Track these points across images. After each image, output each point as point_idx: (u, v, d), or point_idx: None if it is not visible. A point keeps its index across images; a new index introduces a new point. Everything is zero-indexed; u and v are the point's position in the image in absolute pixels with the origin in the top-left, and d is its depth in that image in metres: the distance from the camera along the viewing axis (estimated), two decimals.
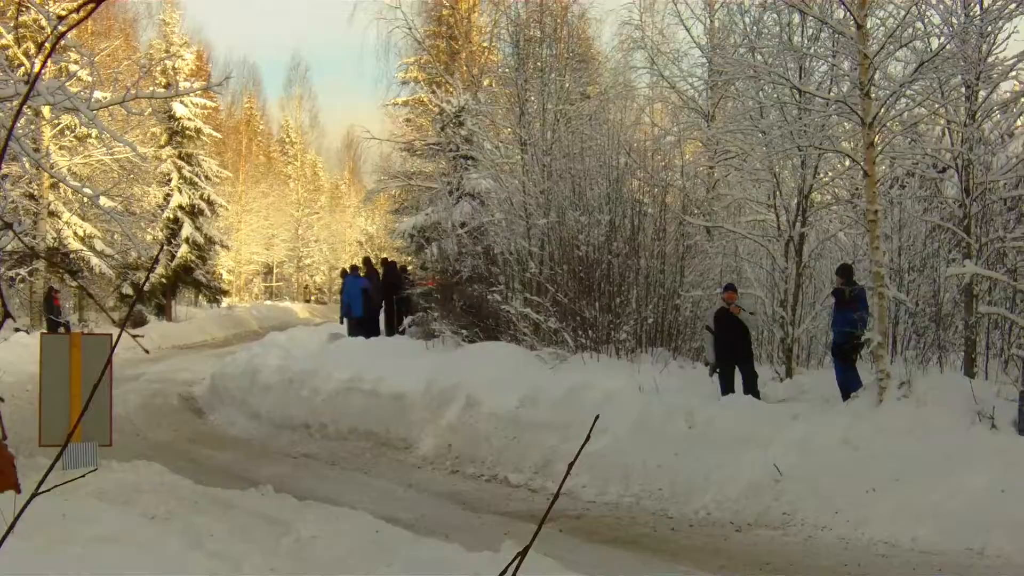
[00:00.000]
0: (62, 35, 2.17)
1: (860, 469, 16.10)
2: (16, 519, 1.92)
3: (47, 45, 43.48)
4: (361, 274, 36.99)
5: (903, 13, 18.98)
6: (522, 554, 1.96)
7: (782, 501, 16.39)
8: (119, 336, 3.45)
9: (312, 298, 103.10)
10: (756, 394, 20.96)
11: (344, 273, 39.55)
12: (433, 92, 43.88)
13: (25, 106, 16.16)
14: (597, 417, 2.78)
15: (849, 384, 19.68)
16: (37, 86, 14.33)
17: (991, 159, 21.29)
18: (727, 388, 21.25)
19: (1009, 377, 19.70)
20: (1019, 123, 22.28)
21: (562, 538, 15.09)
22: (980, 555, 13.85)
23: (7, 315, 2.12)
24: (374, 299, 35.84)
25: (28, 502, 1.95)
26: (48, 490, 2.07)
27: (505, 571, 1.93)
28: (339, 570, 12.11)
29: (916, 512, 14.86)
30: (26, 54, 46.37)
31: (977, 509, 14.53)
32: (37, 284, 48.19)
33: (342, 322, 37.60)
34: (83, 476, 4.54)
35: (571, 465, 2.18)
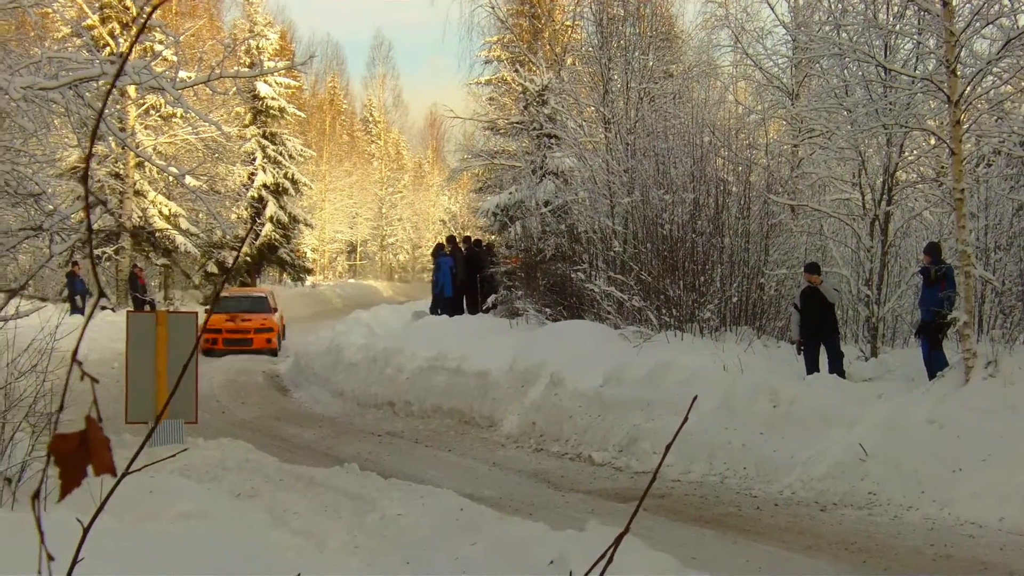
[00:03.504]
0: (150, 14, 2.21)
1: (946, 449, 15.99)
2: (107, 498, 1.99)
3: (134, 26, 43.88)
4: (446, 252, 37.07)
5: None
6: (619, 538, 2.00)
7: (867, 481, 16.31)
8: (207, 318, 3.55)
9: (396, 276, 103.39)
10: (841, 373, 20.89)
11: (437, 251, 39.19)
12: (516, 71, 43.90)
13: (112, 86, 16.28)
14: (696, 398, 2.82)
15: (935, 363, 19.54)
16: (123, 65, 14.47)
17: None
18: (812, 367, 21.19)
19: None
20: None
21: (646, 516, 15.10)
22: None
23: (102, 294, 2.18)
24: (457, 278, 35.89)
25: (119, 480, 2.01)
26: (139, 469, 2.13)
27: (604, 555, 1.98)
28: (424, 547, 12.21)
29: (1003, 492, 14.75)
30: (111, 34, 46.82)
31: None
32: (123, 262, 48.69)
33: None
34: (173, 456, 4.64)
35: (668, 447, 2.21)
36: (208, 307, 31.58)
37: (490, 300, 33.99)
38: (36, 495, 1.92)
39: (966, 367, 17.96)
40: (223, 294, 41.64)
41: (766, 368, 21.29)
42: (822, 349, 21.49)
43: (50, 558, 1.89)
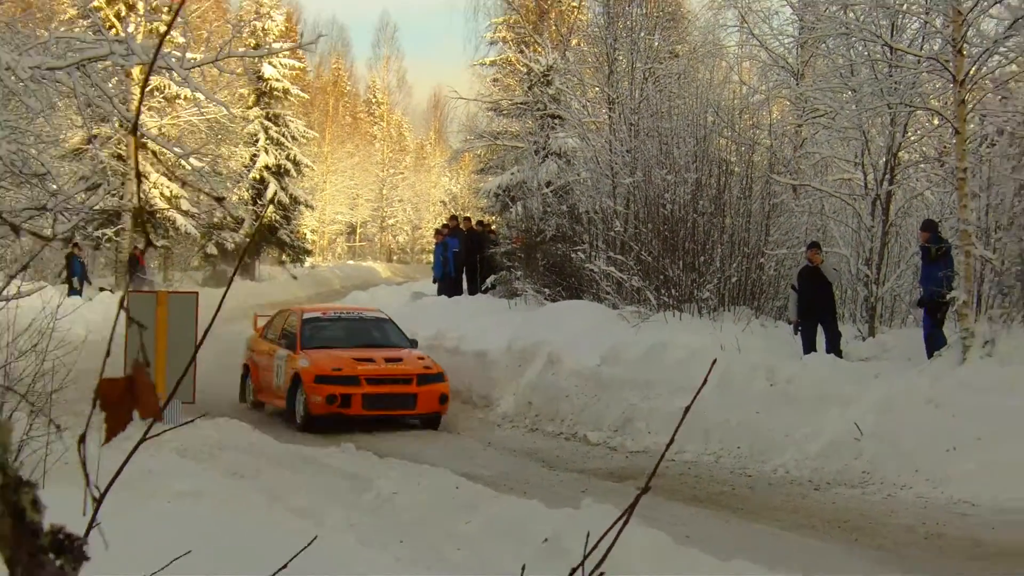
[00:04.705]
0: (180, 4, 2.23)
1: (942, 428, 15.97)
2: (124, 464, 2.08)
3: (141, 5, 43.89)
4: (448, 233, 36.92)
5: None
6: (640, 495, 2.00)
7: (862, 460, 16.31)
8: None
9: (395, 258, 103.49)
10: (838, 353, 20.84)
11: (445, 231, 38.37)
12: (521, 51, 43.92)
13: (119, 67, 16.42)
14: (715, 361, 2.74)
15: (934, 342, 19.46)
16: (132, 45, 14.51)
17: None
18: (809, 347, 21.14)
19: None
20: None
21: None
22: None
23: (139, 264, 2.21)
24: (459, 258, 35.76)
25: (131, 453, 2.07)
26: (158, 434, 2.21)
27: (624, 513, 1.95)
28: (419, 525, 12.23)
29: (998, 471, 14.72)
30: (117, 16, 46.76)
31: None
32: (123, 244, 48.65)
33: (435, 282, 37.35)
34: (187, 423, 4.58)
35: (687, 409, 2.17)
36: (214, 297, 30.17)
37: (489, 281, 33.92)
38: (82, 439, 1.95)
39: (964, 346, 17.94)
40: (308, 315, 24.45)
41: (763, 348, 21.25)
42: (820, 329, 21.45)
43: (95, 500, 2.00)
